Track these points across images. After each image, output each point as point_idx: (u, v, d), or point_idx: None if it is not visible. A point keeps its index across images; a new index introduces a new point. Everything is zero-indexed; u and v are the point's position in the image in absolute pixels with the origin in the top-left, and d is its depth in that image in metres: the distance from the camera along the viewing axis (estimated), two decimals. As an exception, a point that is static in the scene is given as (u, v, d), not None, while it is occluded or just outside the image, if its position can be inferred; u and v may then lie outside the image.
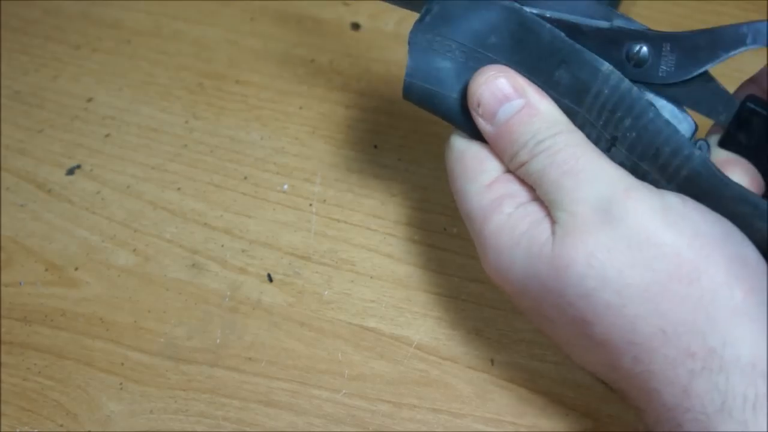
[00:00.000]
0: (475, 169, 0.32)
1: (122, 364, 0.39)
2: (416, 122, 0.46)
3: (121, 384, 0.39)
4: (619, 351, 0.28)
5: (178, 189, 0.45)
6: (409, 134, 0.46)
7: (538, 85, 0.31)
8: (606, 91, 0.30)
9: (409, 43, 0.32)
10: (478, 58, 0.32)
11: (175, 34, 0.52)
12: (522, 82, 0.31)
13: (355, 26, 0.51)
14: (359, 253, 0.42)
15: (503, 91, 0.30)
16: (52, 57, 0.51)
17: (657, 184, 0.29)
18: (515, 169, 0.31)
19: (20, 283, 0.42)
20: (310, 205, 0.44)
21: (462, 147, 0.32)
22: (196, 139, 0.47)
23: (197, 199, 0.44)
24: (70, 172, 0.46)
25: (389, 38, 0.51)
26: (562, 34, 0.31)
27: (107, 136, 0.47)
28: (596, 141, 0.30)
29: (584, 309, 0.28)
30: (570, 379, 0.38)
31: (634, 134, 0.30)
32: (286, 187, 0.45)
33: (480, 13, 0.32)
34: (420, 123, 0.46)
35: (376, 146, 0.46)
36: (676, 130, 0.29)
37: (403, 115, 0.47)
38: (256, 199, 0.44)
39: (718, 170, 0.29)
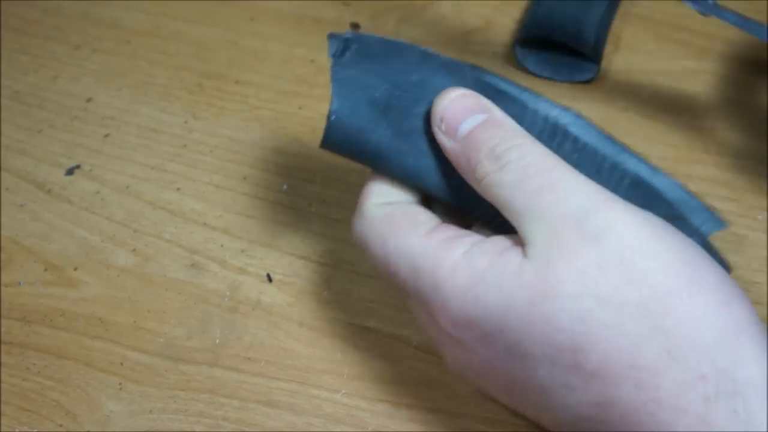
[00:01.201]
0: (409, 222, 0.30)
1: (121, 364, 0.39)
2: (416, 122, 0.46)
3: (120, 384, 0.38)
4: (617, 379, 0.25)
5: (178, 189, 0.45)
6: (408, 134, 0.46)
7: None
8: (539, 122, 0.31)
9: (332, 80, 0.31)
10: (400, 96, 0.31)
11: (174, 34, 0.52)
12: (486, 102, 0.30)
13: (355, 26, 0.51)
14: (359, 253, 0.42)
15: (467, 107, 0.30)
16: (51, 57, 0.51)
17: None
18: (481, 181, 0.29)
19: (20, 283, 0.42)
20: (310, 205, 0.44)
21: (384, 210, 0.31)
22: (195, 139, 0.47)
23: (197, 199, 0.44)
24: (70, 172, 0.46)
25: (389, 38, 0.51)
26: (488, 74, 0.31)
27: (107, 136, 0.47)
28: None
29: (577, 334, 0.26)
30: (570, 379, 0.37)
31: (575, 156, 0.30)
32: (285, 187, 0.45)
33: (399, 55, 0.32)
34: (420, 123, 0.46)
35: (375, 146, 0.46)
36: (613, 143, 0.30)
37: (403, 115, 0.47)
38: (256, 199, 0.44)
39: (657, 169, 0.30)
